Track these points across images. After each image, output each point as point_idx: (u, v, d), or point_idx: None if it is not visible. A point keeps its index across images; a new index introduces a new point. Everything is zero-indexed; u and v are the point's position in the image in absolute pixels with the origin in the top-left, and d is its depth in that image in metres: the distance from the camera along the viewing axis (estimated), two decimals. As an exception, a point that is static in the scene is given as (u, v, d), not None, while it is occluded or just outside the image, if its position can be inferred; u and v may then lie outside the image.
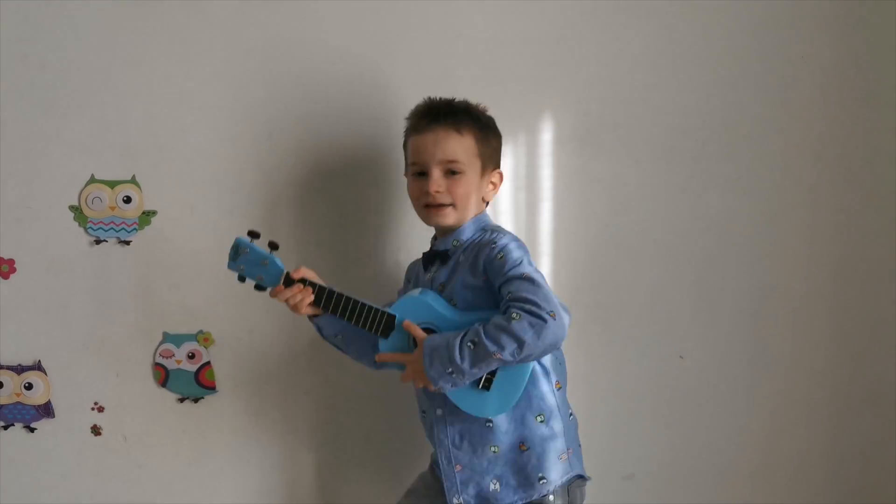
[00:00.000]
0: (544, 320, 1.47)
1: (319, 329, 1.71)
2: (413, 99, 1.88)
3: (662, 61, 1.95)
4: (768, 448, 2.04)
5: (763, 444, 2.03)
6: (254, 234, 1.61)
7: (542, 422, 1.60)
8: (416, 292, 1.63)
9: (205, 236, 1.90)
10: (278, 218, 1.91)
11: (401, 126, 1.83)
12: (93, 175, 1.87)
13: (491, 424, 1.59)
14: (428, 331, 1.58)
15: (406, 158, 1.72)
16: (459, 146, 1.63)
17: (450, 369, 1.51)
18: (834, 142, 1.98)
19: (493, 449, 1.60)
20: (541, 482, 1.59)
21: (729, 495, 2.03)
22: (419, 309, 1.60)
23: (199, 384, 1.93)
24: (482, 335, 1.48)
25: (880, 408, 2.05)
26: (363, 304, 1.60)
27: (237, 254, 1.63)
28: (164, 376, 1.92)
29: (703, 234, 1.98)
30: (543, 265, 1.95)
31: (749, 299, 2.00)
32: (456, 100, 1.69)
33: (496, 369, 1.54)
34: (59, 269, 1.89)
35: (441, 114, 1.65)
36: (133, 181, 1.88)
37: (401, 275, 1.85)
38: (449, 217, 1.65)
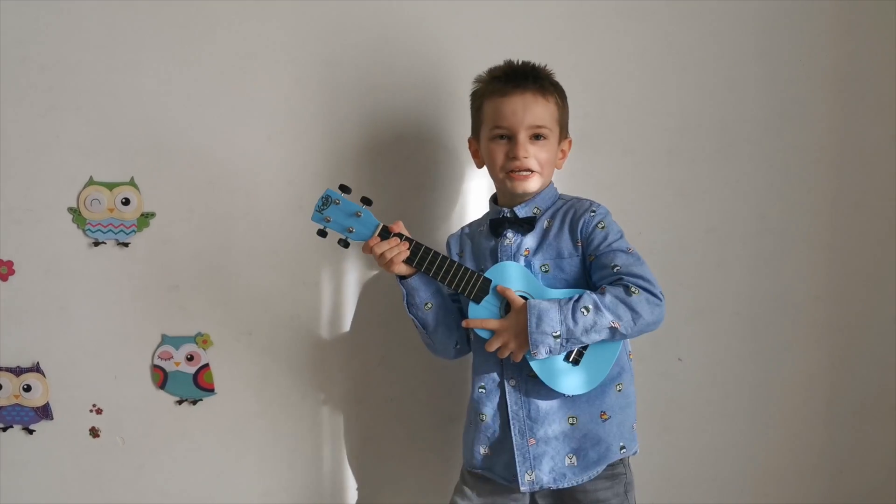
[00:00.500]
0: (659, 299, 1.52)
1: (410, 295, 1.63)
2: (411, 102, 1.90)
3: (660, 64, 1.95)
4: (767, 451, 2.03)
5: (762, 446, 2.03)
6: (345, 189, 1.56)
7: (620, 391, 1.59)
8: (508, 262, 1.59)
9: (203, 238, 1.90)
10: (277, 221, 1.91)
11: (399, 127, 1.84)
12: (91, 177, 1.88)
13: (568, 396, 1.57)
14: (528, 299, 1.55)
15: (480, 121, 1.66)
16: (546, 111, 1.61)
17: (557, 332, 1.48)
18: (832, 144, 1.98)
19: (571, 420, 1.57)
20: (622, 451, 1.59)
21: (728, 498, 2.03)
22: (515, 275, 1.56)
23: (197, 386, 1.93)
24: (599, 303, 1.49)
25: (879, 412, 2.04)
26: (459, 265, 1.56)
27: (326, 204, 1.56)
28: (162, 378, 1.92)
29: (702, 237, 1.98)
30: (542, 267, 1.95)
31: (748, 302, 2.00)
32: (534, 63, 1.66)
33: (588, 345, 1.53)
34: (57, 271, 1.90)
35: (528, 77, 1.62)
36: (132, 183, 1.88)
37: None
38: (534, 183, 1.62)
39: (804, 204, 1.99)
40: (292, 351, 1.94)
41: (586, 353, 1.55)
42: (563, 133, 1.67)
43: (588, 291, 1.52)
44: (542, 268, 1.59)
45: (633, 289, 1.50)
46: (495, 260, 1.62)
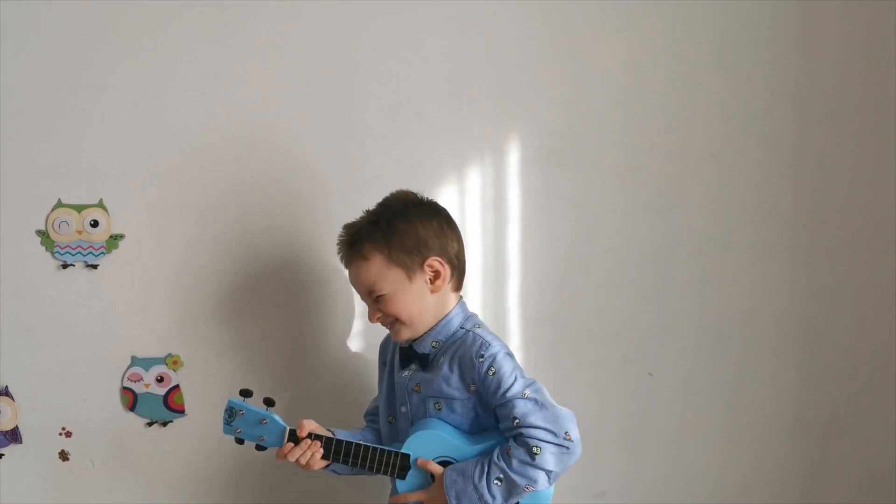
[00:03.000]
0: (566, 447, 1.50)
1: (334, 471, 1.65)
2: (380, 121, 1.91)
3: (627, 81, 1.97)
4: (738, 465, 2.05)
5: (732, 460, 2.05)
6: (246, 393, 1.56)
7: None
8: (425, 425, 1.58)
9: (173, 259, 1.90)
10: (247, 242, 1.91)
11: (369, 146, 1.85)
12: (60, 199, 1.87)
13: None
14: (444, 464, 1.55)
15: None
16: (369, 272, 1.58)
17: None
18: (797, 160, 2.01)
19: None
20: None
21: (700, 512, 2.04)
22: (432, 443, 1.56)
23: (168, 408, 1.92)
24: (509, 472, 1.49)
25: (848, 425, 2.06)
26: (375, 449, 1.56)
27: (232, 416, 1.57)
28: (132, 400, 1.91)
29: (670, 253, 1.99)
30: (511, 286, 1.96)
31: (716, 316, 2.02)
32: (361, 217, 1.63)
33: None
34: (26, 294, 1.88)
35: (346, 247, 1.62)
36: (100, 205, 1.88)
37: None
38: (403, 332, 1.60)
39: (770, 219, 2.01)
40: (263, 372, 1.93)
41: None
42: (414, 264, 1.57)
43: (497, 454, 1.51)
44: (436, 405, 1.58)
45: (534, 448, 1.48)
46: (392, 388, 1.65)
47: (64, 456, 1.92)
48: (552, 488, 1.57)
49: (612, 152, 1.97)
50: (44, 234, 1.87)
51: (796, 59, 2.00)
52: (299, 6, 1.89)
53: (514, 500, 1.53)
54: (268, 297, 1.92)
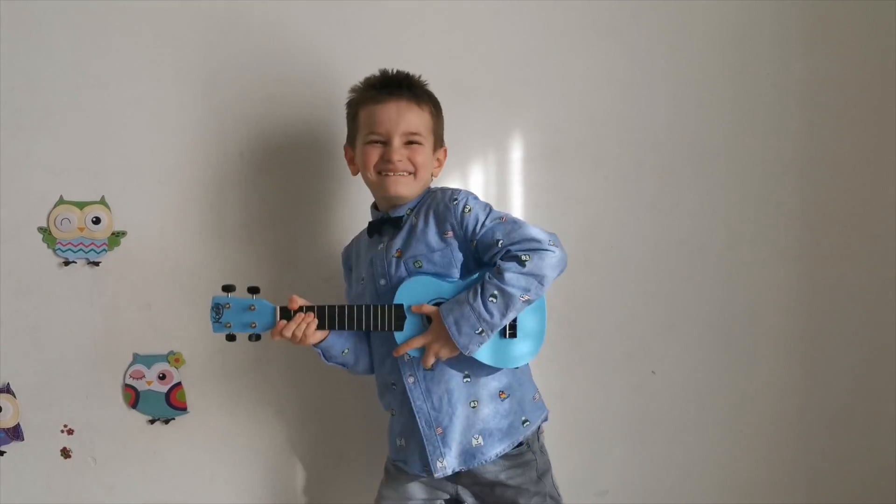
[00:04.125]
0: (552, 251, 1.52)
1: (324, 354, 1.67)
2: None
3: (630, 78, 1.97)
4: (741, 461, 2.05)
5: (736, 457, 2.04)
6: (229, 288, 1.57)
7: (515, 367, 1.61)
8: (408, 277, 1.59)
9: (174, 256, 1.89)
10: (249, 238, 1.91)
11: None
12: (61, 196, 1.87)
13: (469, 379, 1.59)
14: (437, 305, 1.57)
15: (356, 129, 1.69)
16: (420, 119, 1.64)
17: (479, 329, 1.51)
18: (800, 157, 2.01)
19: (472, 404, 1.59)
20: (524, 425, 1.61)
21: (703, 510, 2.04)
22: (422, 289, 1.57)
23: (169, 405, 1.91)
24: (503, 286, 1.50)
25: (851, 422, 2.06)
26: (368, 307, 1.57)
27: (219, 313, 1.57)
28: (134, 398, 1.91)
29: (673, 250, 1.99)
30: (514, 282, 1.95)
31: (720, 313, 2.01)
32: (409, 73, 1.69)
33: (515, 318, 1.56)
34: (28, 291, 1.88)
35: (402, 86, 1.65)
36: (102, 202, 1.88)
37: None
38: (408, 186, 1.64)
39: (773, 217, 2.01)
40: (264, 369, 1.93)
41: (518, 324, 1.58)
42: (438, 142, 1.69)
43: (488, 275, 1.53)
44: (415, 264, 1.60)
45: (523, 257, 1.52)
46: (371, 265, 1.65)
47: (66, 453, 1.91)
48: (544, 301, 1.58)
49: (616, 150, 1.97)
50: (45, 231, 1.87)
51: (799, 56, 2.00)
52: (302, 4, 1.88)
53: (512, 315, 1.53)
54: (270, 295, 1.90)
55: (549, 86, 1.96)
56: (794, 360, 2.04)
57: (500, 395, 1.60)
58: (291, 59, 1.90)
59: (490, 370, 1.59)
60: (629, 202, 1.98)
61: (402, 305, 1.57)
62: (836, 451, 2.07)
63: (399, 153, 1.62)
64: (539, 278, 1.51)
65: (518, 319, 1.57)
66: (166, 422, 1.92)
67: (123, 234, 1.88)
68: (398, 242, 1.62)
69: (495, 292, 1.51)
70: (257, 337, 1.59)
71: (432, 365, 1.57)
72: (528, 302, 1.53)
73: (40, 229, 1.87)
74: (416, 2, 1.91)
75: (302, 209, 1.91)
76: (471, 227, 1.57)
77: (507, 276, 1.51)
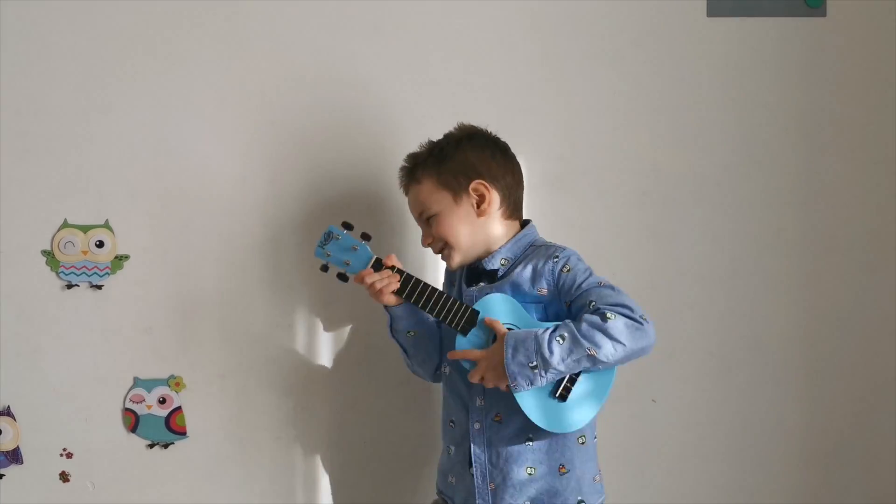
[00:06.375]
0: (641, 323, 1.49)
1: (393, 321, 1.67)
2: (386, 144, 1.92)
3: (633, 107, 1.98)
4: (742, 492, 2.03)
5: (736, 488, 2.03)
6: (347, 225, 1.64)
7: (582, 443, 1.59)
8: (499, 293, 1.58)
9: (177, 280, 1.90)
10: (252, 264, 1.91)
11: (374, 170, 1.86)
12: (66, 220, 1.88)
13: (532, 444, 1.56)
14: (512, 329, 1.55)
15: None
16: (421, 194, 1.66)
17: (534, 363, 1.47)
18: (801, 187, 2.01)
19: (529, 471, 1.56)
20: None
21: (704, 540, 2.03)
22: (504, 308, 1.56)
23: (169, 429, 1.91)
24: (576, 331, 1.47)
25: (853, 453, 2.05)
26: (448, 296, 1.58)
27: (327, 239, 1.64)
28: (133, 422, 1.90)
29: (674, 278, 1.99)
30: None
31: (721, 343, 2.01)
32: (419, 148, 1.70)
33: (576, 380, 1.52)
34: (30, 314, 1.88)
35: (404, 175, 1.70)
36: (106, 226, 1.89)
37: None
38: (453, 258, 1.64)
39: (774, 245, 2.01)
40: (265, 394, 1.93)
41: (574, 387, 1.53)
42: (458, 188, 1.62)
43: (568, 321, 1.51)
44: None
45: (608, 315, 1.47)
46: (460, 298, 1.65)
47: (65, 477, 1.91)
48: (612, 379, 1.54)
49: (617, 178, 1.98)
50: (49, 254, 1.88)
51: (801, 84, 2.01)
52: (308, 30, 1.91)
53: (573, 366, 1.48)
54: (272, 319, 1.92)
55: (550, 114, 1.97)
56: (795, 390, 2.03)
57: (560, 468, 1.57)
58: (293, 84, 1.91)
59: (555, 438, 1.56)
60: (631, 230, 1.98)
61: (477, 312, 1.56)
62: (837, 482, 2.05)
63: (425, 238, 1.67)
64: (615, 342, 1.47)
65: (577, 385, 1.53)
66: (166, 446, 1.92)
67: (126, 257, 1.89)
68: (488, 290, 1.61)
69: (565, 334, 1.48)
70: (345, 277, 1.65)
71: (478, 386, 1.55)
72: (594, 360, 1.47)
73: (44, 252, 1.88)
74: (418, 31, 1.93)
75: (305, 235, 1.92)
76: (566, 287, 1.55)
77: (584, 325, 1.48)
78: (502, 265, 1.63)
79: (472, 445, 1.59)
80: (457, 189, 1.62)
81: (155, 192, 1.89)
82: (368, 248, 1.63)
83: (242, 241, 1.91)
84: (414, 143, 1.90)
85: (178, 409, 1.91)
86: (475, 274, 1.65)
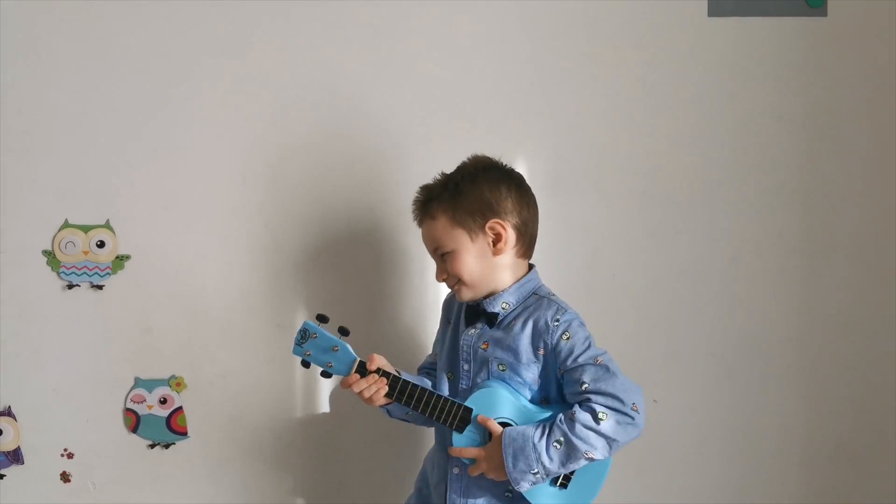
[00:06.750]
0: (632, 417, 1.50)
1: (388, 412, 1.67)
2: (386, 144, 1.92)
3: (633, 107, 1.98)
4: (742, 492, 2.03)
5: (737, 488, 2.03)
6: (322, 319, 1.57)
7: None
8: (490, 384, 1.58)
9: (178, 281, 1.90)
10: (253, 264, 1.92)
11: (376, 170, 1.86)
12: (66, 220, 1.88)
13: (510, 495, 1.57)
14: (504, 425, 1.55)
15: None
16: (436, 230, 1.61)
17: (535, 470, 1.49)
18: (803, 187, 2.01)
19: None
20: None
21: (705, 541, 2.03)
22: (496, 402, 1.56)
23: (170, 430, 1.91)
24: (570, 436, 1.48)
25: (854, 453, 2.05)
26: (439, 397, 1.56)
27: (304, 338, 1.57)
28: (134, 422, 1.90)
29: (675, 279, 1.99)
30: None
31: (722, 343, 2.01)
32: (432, 181, 1.66)
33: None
34: (31, 314, 1.89)
35: (418, 209, 1.66)
36: (107, 226, 1.89)
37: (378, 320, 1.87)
38: (464, 293, 1.62)
39: (776, 246, 2.01)
40: (266, 394, 1.93)
41: (573, 477, 1.56)
42: (474, 225, 1.59)
43: (560, 418, 1.51)
44: (500, 367, 1.58)
45: (600, 414, 1.48)
46: (455, 345, 1.64)
47: (65, 477, 1.91)
48: (608, 464, 1.56)
49: (618, 178, 1.98)
50: (50, 255, 1.88)
51: (801, 84, 2.01)
52: (308, 32, 1.91)
53: (571, 467, 1.51)
54: (273, 319, 1.92)
55: (550, 114, 1.97)
56: (797, 391, 2.03)
57: None
58: (296, 86, 1.91)
59: (529, 494, 1.56)
60: (632, 230, 1.98)
61: (471, 410, 1.56)
62: (839, 483, 2.05)
63: (439, 273, 1.63)
64: (609, 441, 1.49)
65: (576, 473, 1.55)
66: (167, 446, 1.92)
67: (127, 257, 1.89)
68: (487, 336, 1.61)
69: (561, 439, 1.49)
70: (329, 375, 1.59)
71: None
72: (591, 460, 1.50)
73: (45, 252, 1.88)
74: (417, 32, 1.93)
75: (306, 236, 1.92)
76: (563, 356, 1.54)
77: (578, 427, 1.48)
78: (503, 309, 1.61)
79: (448, 489, 1.61)
80: (472, 227, 1.59)
81: (155, 192, 1.89)
82: (350, 348, 1.56)
83: (243, 242, 1.91)
84: (414, 143, 1.91)
85: (179, 409, 1.91)
86: (475, 313, 1.63)
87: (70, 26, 1.86)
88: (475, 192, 1.60)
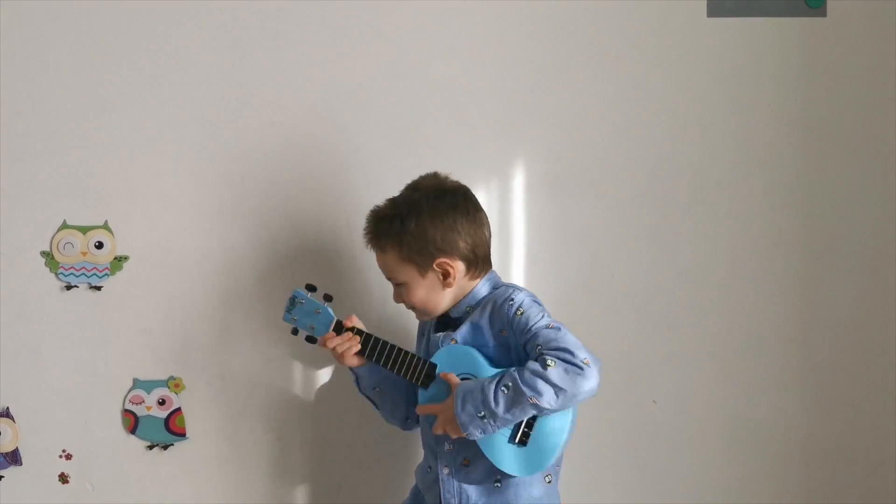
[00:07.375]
0: (580, 367, 1.50)
1: (358, 380, 1.73)
2: (385, 145, 1.92)
3: (633, 108, 1.98)
4: (743, 493, 2.03)
5: (737, 489, 2.02)
6: (310, 288, 1.68)
7: (549, 482, 1.63)
8: (457, 345, 1.63)
9: (176, 281, 1.90)
10: (251, 265, 1.91)
11: (374, 170, 1.86)
12: (65, 221, 1.88)
13: (499, 485, 1.60)
14: (466, 380, 1.58)
15: None
16: (387, 262, 1.66)
17: (482, 413, 1.51)
18: (802, 188, 2.01)
19: None
20: None
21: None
22: (460, 359, 1.61)
23: (169, 431, 1.91)
24: (518, 380, 1.49)
25: (854, 454, 2.04)
26: (406, 353, 1.63)
27: (293, 305, 1.68)
28: (133, 423, 1.90)
29: (674, 279, 1.99)
30: (515, 310, 1.95)
31: (721, 344, 2.00)
32: (380, 206, 1.68)
33: (534, 424, 1.55)
34: (29, 315, 1.89)
35: (368, 239, 1.69)
36: (105, 227, 1.89)
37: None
38: (421, 316, 1.71)
39: (775, 247, 2.00)
40: (265, 395, 1.93)
41: (532, 434, 1.56)
42: (423, 263, 1.62)
43: (514, 368, 1.53)
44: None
45: (549, 361, 1.49)
46: (429, 354, 1.67)
47: (64, 479, 1.91)
48: (568, 423, 1.57)
49: (617, 179, 1.97)
50: (48, 256, 1.88)
51: (800, 84, 2.01)
52: (305, 31, 1.90)
53: (518, 414, 1.51)
54: (271, 320, 1.91)
55: (550, 114, 1.96)
56: (796, 392, 2.03)
57: None
58: (293, 85, 1.91)
59: (520, 481, 1.59)
60: (631, 231, 1.97)
61: (435, 366, 1.60)
62: (837, 481, 2.05)
63: (396, 296, 1.70)
64: (556, 389, 1.49)
65: (535, 430, 1.56)
66: (165, 447, 1.91)
67: (126, 258, 1.89)
68: (458, 335, 1.64)
69: (509, 384, 1.50)
70: (314, 340, 1.68)
71: (444, 434, 1.58)
72: (538, 407, 1.50)
73: (43, 253, 1.88)
74: (417, 32, 1.93)
75: (304, 236, 1.92)
76: (520, 329, 1.57)
77: (526, 374, 1.50)
78: (466, 312, 1.66)
79: (441, 489, 1.64)
80: (421, 264, 1.63)
81: (154, 193, 1.89)
82: (330, 310, 1.66)
83: (241, 242, 1.91)
84: (414, 143, 1.92)
85: (178, 410, 1.91)
86: (443, 322, 1.69)
87: (69, 27, 1.86)
88: (419, 231, 1.62)
